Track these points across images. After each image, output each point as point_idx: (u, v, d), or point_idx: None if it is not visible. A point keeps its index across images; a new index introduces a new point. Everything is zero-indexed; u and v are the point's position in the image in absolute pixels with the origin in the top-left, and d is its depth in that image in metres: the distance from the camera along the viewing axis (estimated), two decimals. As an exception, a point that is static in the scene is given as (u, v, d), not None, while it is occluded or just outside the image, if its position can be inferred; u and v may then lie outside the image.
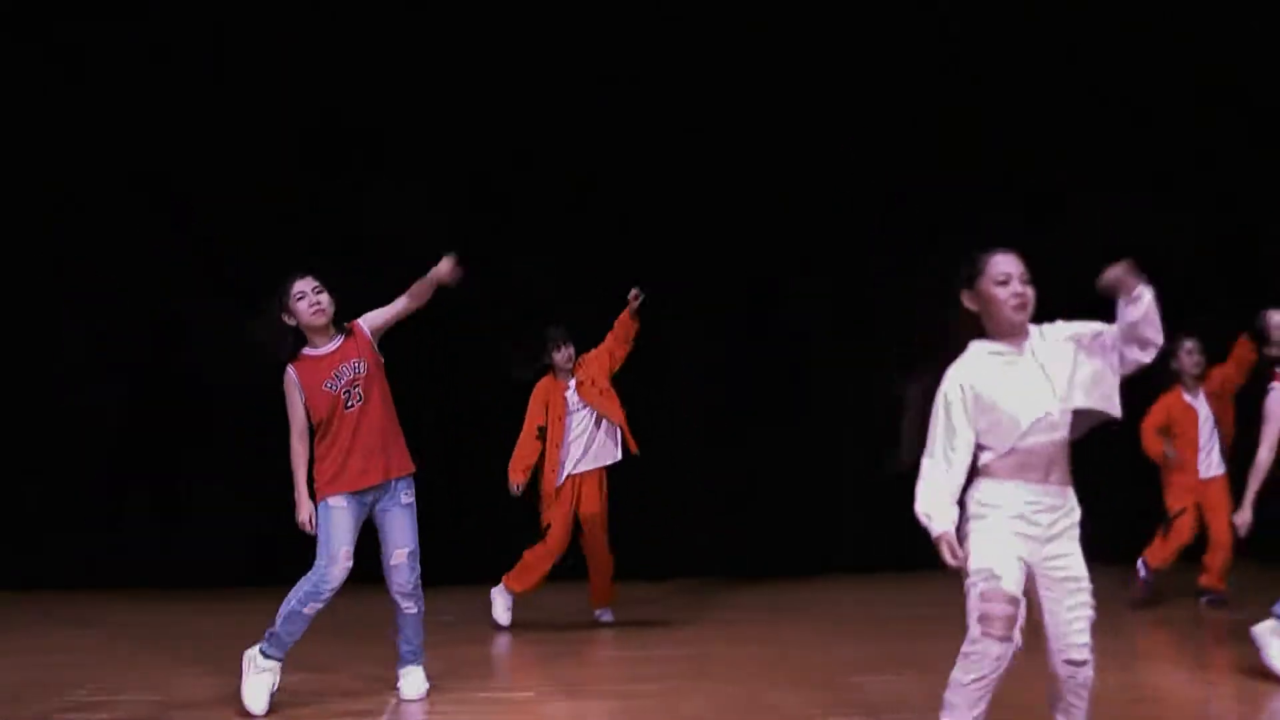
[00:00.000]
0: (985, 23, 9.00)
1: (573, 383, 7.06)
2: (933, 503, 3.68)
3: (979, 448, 3.71)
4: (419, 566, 5.27)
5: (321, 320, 5.21)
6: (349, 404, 5.17)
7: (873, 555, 8.93)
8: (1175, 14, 8.76)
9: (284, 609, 5.09)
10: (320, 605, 5.08)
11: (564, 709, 5.35)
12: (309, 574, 5.08)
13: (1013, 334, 3.74)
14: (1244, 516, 5.94)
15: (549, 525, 6.94)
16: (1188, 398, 7.45)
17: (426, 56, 8.97)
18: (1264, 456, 5.76)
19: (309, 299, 5.20)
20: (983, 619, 3.58)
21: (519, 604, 7.11)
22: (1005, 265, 3.73)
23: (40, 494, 8.94)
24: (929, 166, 8.97)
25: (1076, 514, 3.74)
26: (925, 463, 3.72)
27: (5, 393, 8.99)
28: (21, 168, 8.87)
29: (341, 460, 5.15)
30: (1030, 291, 3.71)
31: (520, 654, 6.62)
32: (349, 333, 5.28)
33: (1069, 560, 3.68)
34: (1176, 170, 8.94)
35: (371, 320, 5.33)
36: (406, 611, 5.29)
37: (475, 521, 8.56)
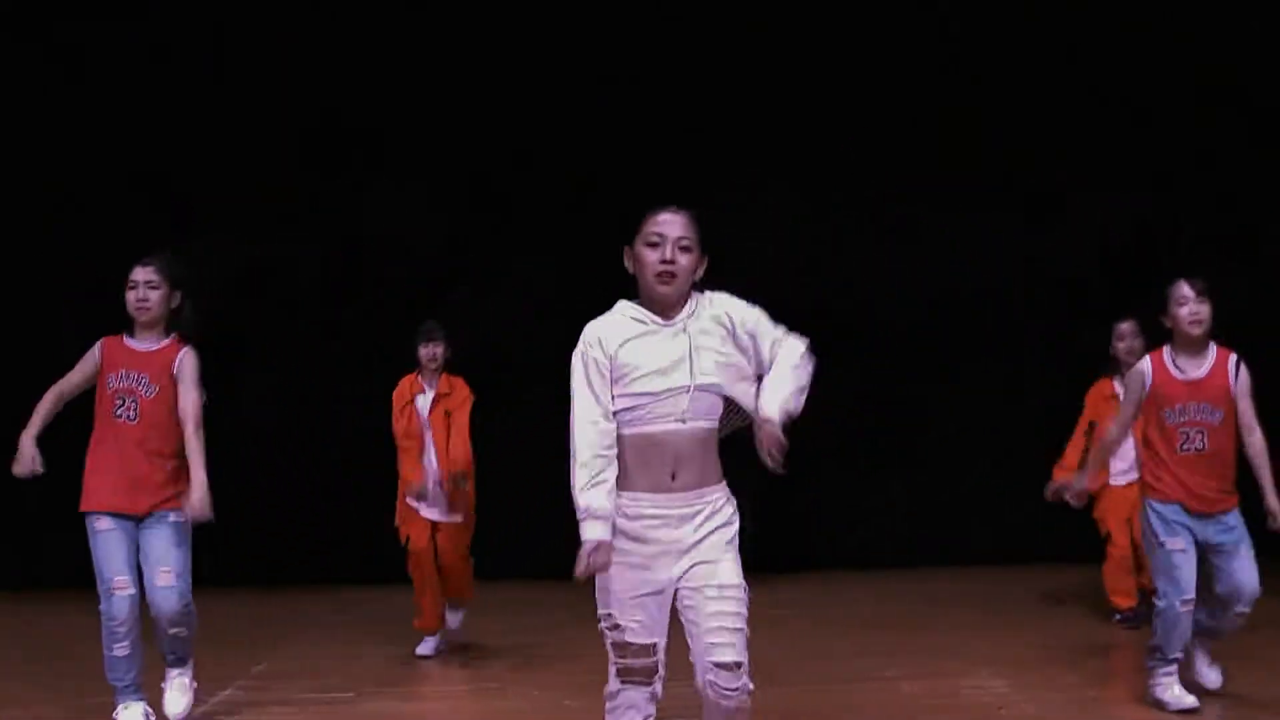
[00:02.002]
0: (985, 23, 9.00)
1: (431, 394, 6.30)
2: (590, 493, 3.19)
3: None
4: (187, 586, 4.90)
5: (142, 317, 4.90)
6: (117, 412, 4.83)
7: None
8: (1175, 14, 8.76)
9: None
10: (123, 644, 4.75)
11: (374, 709, 5.40)
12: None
13: (662, 305, 3.29)
14: (1078, 483, 5.29)
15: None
16: (1118, 387, 6.55)
17: (426, 56, 8.96)
18: (1111, 432, 5.20)
19: (139, 291, 4.89)
20: (621, 672, 3.27)
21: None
22: (662, 226, 3.27)
23: (40, 494, 8.92)
24: (929, 166, 8.97)
25: (726, 516, 3.30)
26: (574, 435, 3.23)
27: (5, 393, 8.96)
28: (22, 168, 8.85)
29: (103, 473, 4.83)
30: (685, 261, 3.25)
31: (365, 655, 6.54)
32: (175, 350, 4.92)
33: (715, 568, 3.24)
34: (1176, 170, 8.93)
35: (190, 367, 4.91)
36: (167, 631, 4.94)
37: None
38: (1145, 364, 4.99)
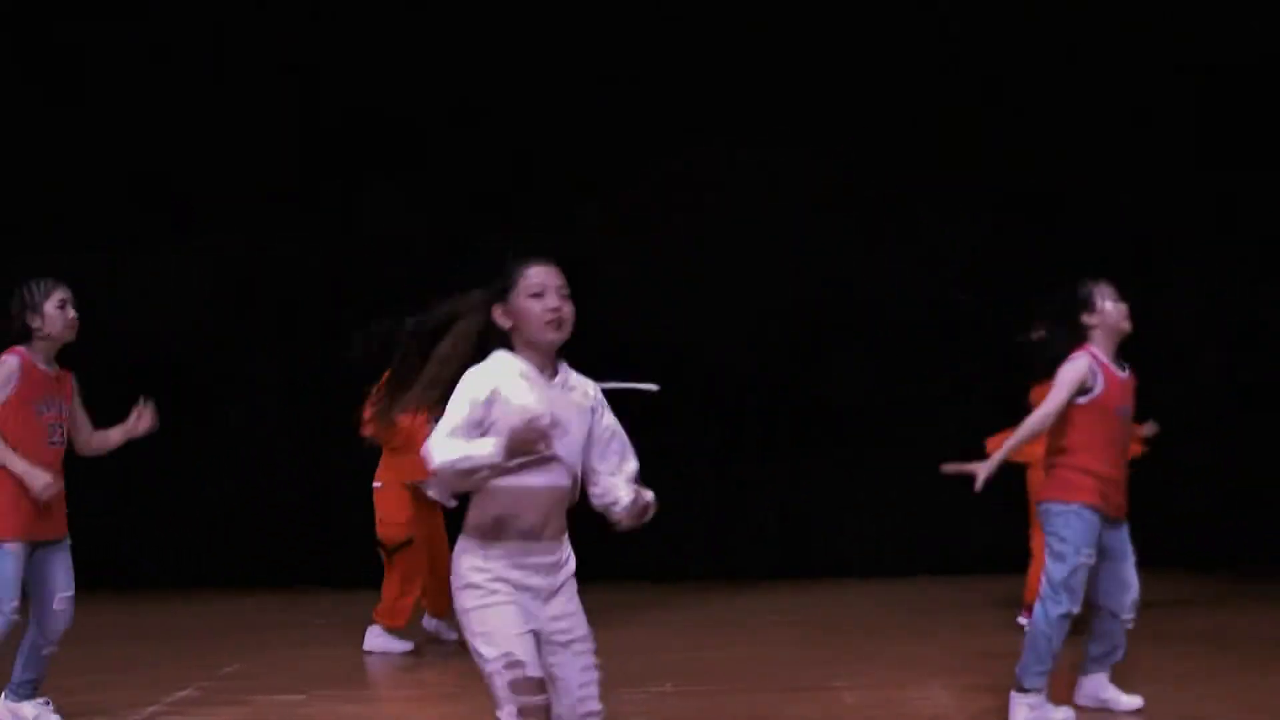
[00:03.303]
0: (985, 23, 8.98)
1: None
2: (460, 448, 3.15)
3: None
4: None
5: (70, 337, 4.85)
6: (53, 440, 4.81)
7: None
8: (1175, 14, 8.76)
9: None
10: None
11: (321, 711, 5.42)
12: None
13: (546, 355, 3.31)
14: (983, 469, 4.78)
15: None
16: None
17: (426, 56, 8.95)
18: (1034, 421, 4.79)
19: (70, 311, 4.82)
20: (521, 711, 3.19)
21: None
22: (542, 276, 3.28)
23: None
24: (929, 166, 8.98)
25: (573, 565, 3.39)
26: (436, 441, 3.17)
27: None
28: (22, 168, 8.84)
29: (30, 501, 4.71)
30: (568, 308, 3.29)
31: (330, 658, 6.55)
32: (61, 373, 4.89)
33: (572, 621, 3.34)
34: (1176, 169, 8.95)
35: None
36: (45, 653, 4.90)
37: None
38: (1088, 361, 4.75)
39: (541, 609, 3.29)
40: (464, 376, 3.26)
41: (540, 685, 3.21)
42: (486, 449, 3.11)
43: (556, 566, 3.33)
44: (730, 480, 9.24)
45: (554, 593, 3.32)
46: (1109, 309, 4.77)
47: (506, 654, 3.20)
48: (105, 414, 8.93)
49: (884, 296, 9.11)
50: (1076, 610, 4.70)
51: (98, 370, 8.94)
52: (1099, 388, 4.72)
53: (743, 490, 9.26)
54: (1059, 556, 4.70)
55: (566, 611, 3.33)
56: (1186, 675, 5.65)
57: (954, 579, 8.63)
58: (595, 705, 3.35)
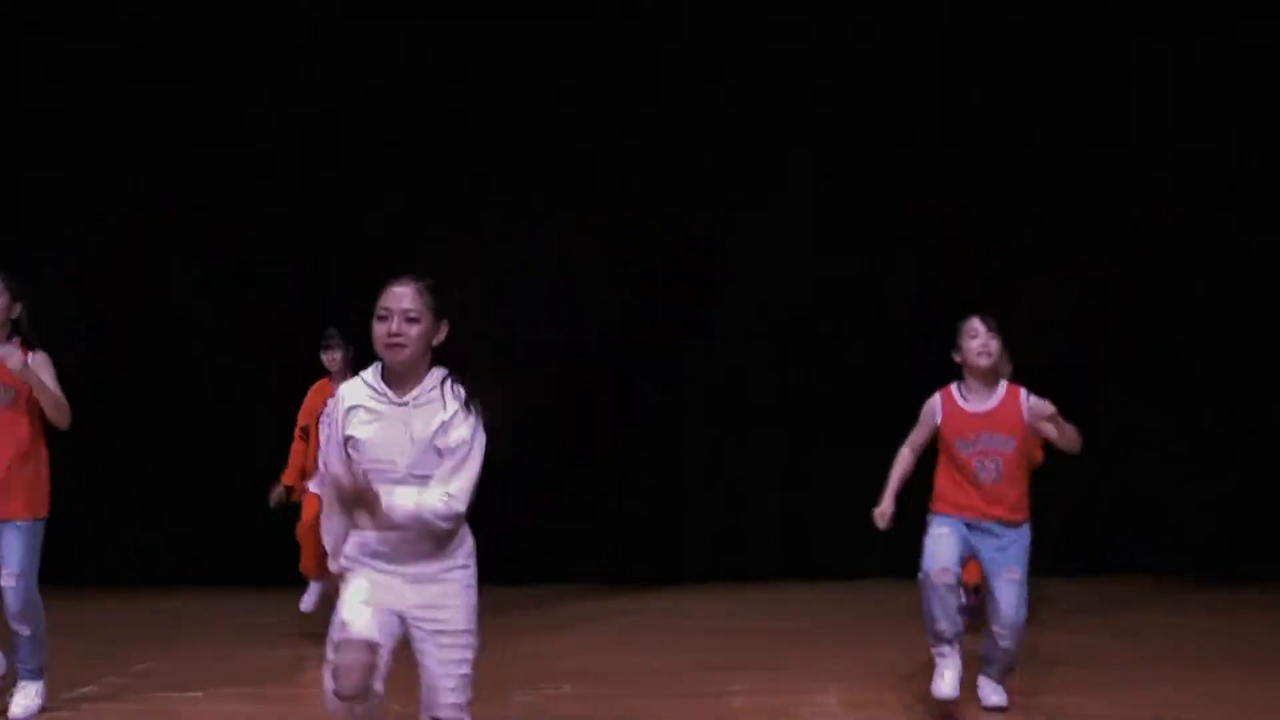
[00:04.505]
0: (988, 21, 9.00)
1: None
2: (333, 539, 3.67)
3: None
4: (33, 588, 5.08)
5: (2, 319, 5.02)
6: None
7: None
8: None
9: None
10: None
11: (213, 710, 5.45)
12: None
13: (396, 375, 3.53)
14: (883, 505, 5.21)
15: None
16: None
17: (426, 56, 8.94)
18: (905, 454, 5.26)
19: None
20: (334, 668, 3.36)
21: None
22: (390, 299, 3.48)
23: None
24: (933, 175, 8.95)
25: (465, 563, 3.58)
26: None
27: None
28: (22, 168, 8.82)
29: None
30: (413, 331, 3.47)
31: (247, 657, 6.57)
32: (16, 350, 4.98)
33: (447, 614, 3.52)
34: (1176, 168, 8.94)
35: (40, 365, 5.04)
36: (20, 633, 5.14)
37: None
38: (935, 399, 5.19)
39: (409, 592, 3.50)
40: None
41: (365, 648, 3.37)
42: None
43: (431, 558, 3.50)
44: (671, 483, 9.10)
45: (429, 581, 3.51)
46: (967, 347, 5.06)
47: (341, 617, 3.44)
48: (107, 414, 8.99)
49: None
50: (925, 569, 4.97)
51: (95, 370, 8.96)
52: (938, 422, 5.15)
53: (686, 492, 9.13)
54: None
55: (440, 603, 3.52)
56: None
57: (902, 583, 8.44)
58: (455, 699, 3.53)
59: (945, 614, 4.94)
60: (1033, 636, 6.72)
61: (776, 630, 7.23)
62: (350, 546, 3.55)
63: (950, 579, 4.93)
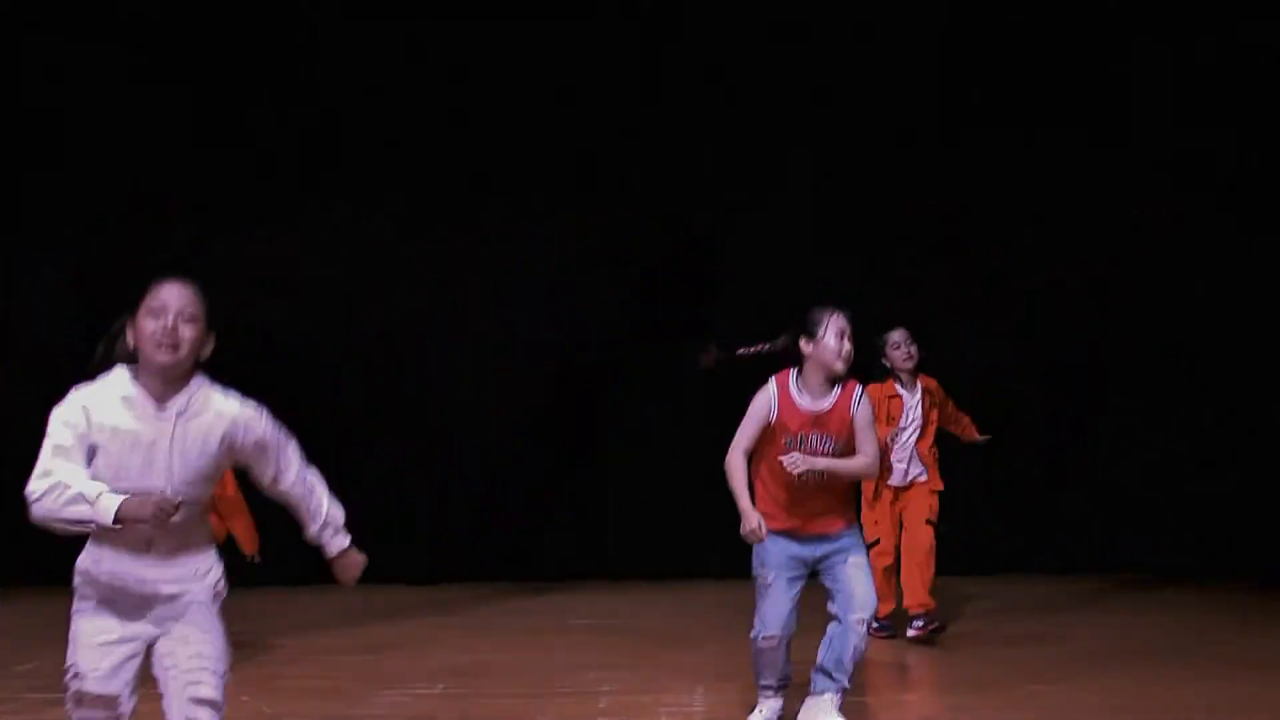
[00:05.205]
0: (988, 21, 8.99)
1: None
2: (89, 485, 3.07)
3: None
4: None
5: None
6: None
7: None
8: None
9: None
10: None
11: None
12: None
13: (163, 381, 3.17)
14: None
15: None
16: (898, 387, 6.60)
17: (426, 56, 8.94)
18: (732, 455, 4.77)
19: None
20: None
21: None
22: (165, 296, 3.17)
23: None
24: (933, 175, 8.95)
25: (209, 580, 3.27)
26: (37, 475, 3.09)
27: (4, 393, 8.97)
28: (22, 168, 8.83)
29: None
30: (188, 332, 3.16)
31: None
32: None
33: (191, 629, 3.22)
34: (1175, 168, 8.93)
35: None
36: None
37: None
38: (770, 389, 4.72)
39: (149, 609, 3.19)
40: (69, 395, 3.19)
41: (107, 702, 3.13)
42: (99, 510, 3.00)
43: (180, 578, 3.21)
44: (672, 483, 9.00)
45: (174, 618, 3.21)
46: (828, 344, 4.61)
47: (73, 664, 3.16)
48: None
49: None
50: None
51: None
52: (774, 418, 4.67)
53: (686, 492, 8.87)
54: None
55: (182, 635, 3.21)
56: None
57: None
58: (205, 693, 3.20)
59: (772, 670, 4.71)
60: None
61: (661, 629, 7.14)
62: (78, 577, 3.23)
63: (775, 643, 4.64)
